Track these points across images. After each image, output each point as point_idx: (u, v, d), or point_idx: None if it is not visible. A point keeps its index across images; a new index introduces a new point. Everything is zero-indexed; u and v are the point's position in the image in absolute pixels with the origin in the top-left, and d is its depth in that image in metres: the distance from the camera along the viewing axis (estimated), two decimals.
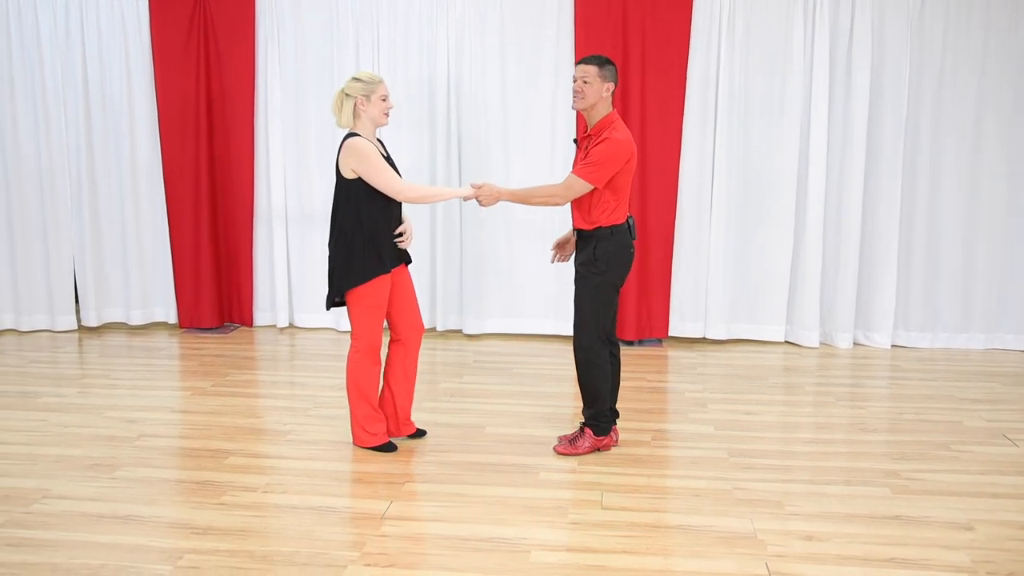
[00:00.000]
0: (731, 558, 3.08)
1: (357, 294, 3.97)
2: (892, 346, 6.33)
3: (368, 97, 3.91)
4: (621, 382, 5.32)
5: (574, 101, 3.96)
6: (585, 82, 3.90)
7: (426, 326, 6.75)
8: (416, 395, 5.07)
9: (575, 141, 4.12)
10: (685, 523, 3.37)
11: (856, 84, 6.04)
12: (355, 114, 3.95)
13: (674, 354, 6.14)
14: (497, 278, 6.55)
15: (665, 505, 3.54)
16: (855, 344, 6.38)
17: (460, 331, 6.70)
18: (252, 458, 4.06)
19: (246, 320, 6.89)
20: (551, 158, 6.35)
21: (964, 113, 6.07)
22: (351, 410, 4.14)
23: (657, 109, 6.12)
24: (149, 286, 6.87)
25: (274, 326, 6.91)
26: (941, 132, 6.11)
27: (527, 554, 3.11)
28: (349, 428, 4.34)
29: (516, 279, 6.53)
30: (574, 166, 3.96)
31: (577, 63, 3.96)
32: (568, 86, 6.25)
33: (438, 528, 3.32)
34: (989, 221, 6.16)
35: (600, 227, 3.94)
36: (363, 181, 3.89)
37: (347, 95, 3.93)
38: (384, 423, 4.19)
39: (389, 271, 3.97)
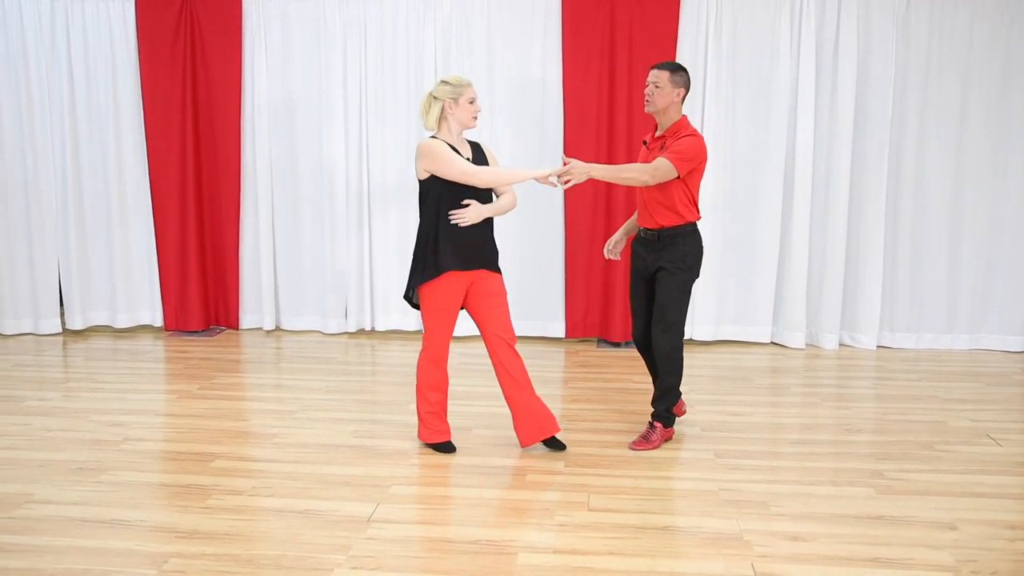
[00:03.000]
0: (717, 559, 3.09)
1: (424, 295, 3.99)
2: (877, 347, 6.37)
3: (456, 100, 3.91)
4: (609, 384, 5.36)
5: (646, 105, 4.08)
6: (657, 87, 4.02)
7: (413, 328, 6.74)
8: (401, 397, 5.06)
9: (645, 143, 4.21)
10: (671, 524, 3.38)
11: (842, 86, 6.07)
12: (442, 117, 3.95)
13: None
14: None
15: (651, 506, 3.54)
16: (841, 345, 6.41)
17: None
18: (238, 461, 4.04)
19: (232, 323, 6.87)
20: (539, 158, 6.35)
21: (949, 115, 6.11)
22: (416, 406, 4.17)
23: (644, 111, 6.12)
24: (135, 289, 6.83)
25: (260, 329, 6.89)
26: (926, 134, 6.15)
27: (514, 556, 3.11)
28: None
29: (504, 280, 6.53)
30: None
31: (651, 68, 4.08)
32: (556, 88, 6.27)
33: (425, 531, 3.32)
34: (973, 223, 6.20)
35: (688, 223, 4.10)
36: (435, 180, 3.90)
37: (435, 98, 3.93)
38: (443, 422, 4.18)
39: (445, 272, 3.92)
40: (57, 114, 6.55)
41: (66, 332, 6.83)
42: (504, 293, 4.08)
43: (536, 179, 3.91)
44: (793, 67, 6.13)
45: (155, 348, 6.33)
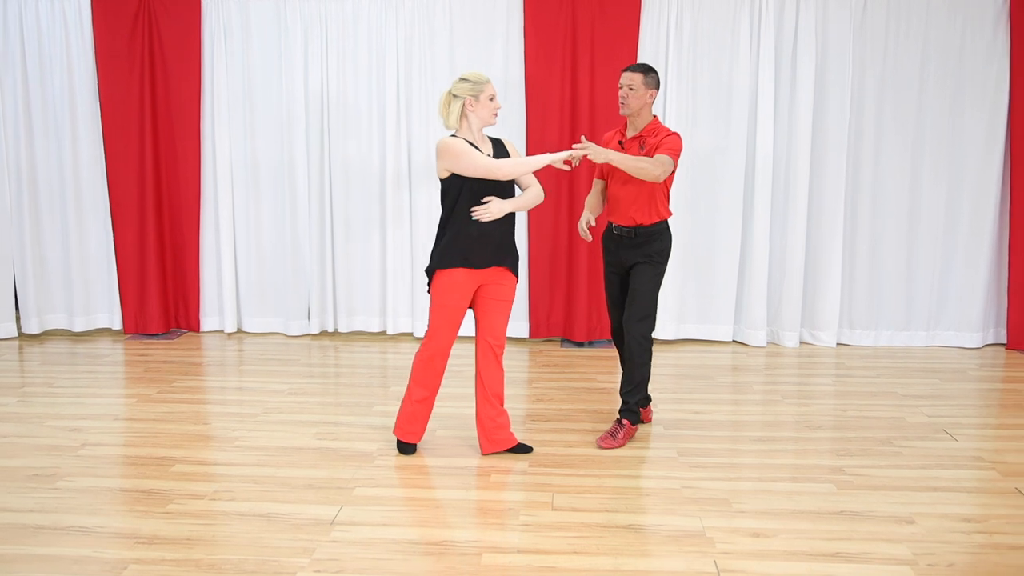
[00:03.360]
0: (680, 556, 3.11)
1: (433, 289, 3.96)
2: (837, 344, 6.45)
3: (476, 97, 3.86)
4: (573, 383, 5.37)
5: (620, 107, 4.15)
6: (631, 89, 4.10)
7: (376, 329, 6.71)
8: (365, 399, 5.04)
9: (621, 143, 4.26)
10: (635, 523, 3.40)
11: (801, 86, 6.15)
12: (463, 115, 3.90)
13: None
14: None
15: (615, 505, 3.56)
16: (801, 343, 6.49)
17: (411, 334, 6.68)
18: (199, 465, 4.00)
19: (193, 325, 6.79)
20: None
21: (905, 114, 6.21)
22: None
23: (606, 108, 6.15)
24: (92, 292, 6.73)
25: (221, 331, 6.82)
26: (883, 133, 6.24)
27: (478, 557, 3.11)
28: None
29: None
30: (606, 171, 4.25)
31: (623, 71, 4.15)
32: (519, 87, 6.27)
33: (388, 532, 3.30)
34: (929, 222, 6.30)
35: (664, 220, 4.23)
36: (456, 178, 3.86)
37: (455, 96, 3.88)
38: (416, 423, 4.13)
39: (452, 267, 3.89)
40: (11, 113, 6.43)
41: (22, 336, 6.71)
42: (511, 299, 4.06)
43: (552, 163, 3.89)
44: (753, 66, 6.19)
45: (114, 351, 6.24)
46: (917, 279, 6.39)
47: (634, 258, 4.23)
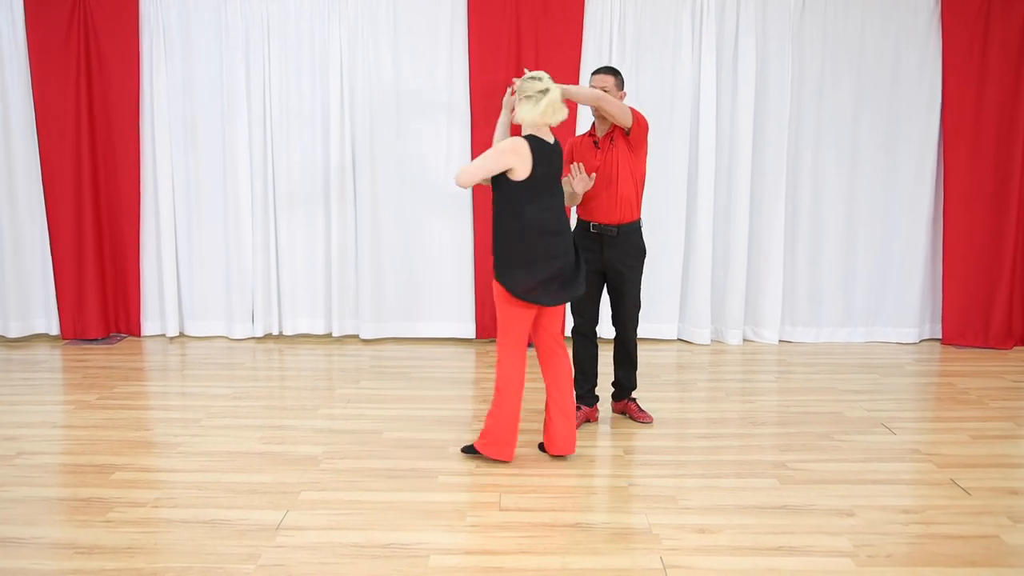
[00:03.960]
0: (626, 554, 3.14)
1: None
2: (779, 341, 6.56)
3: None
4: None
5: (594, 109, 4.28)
6: (604, 90, 4.23)
7: (321, 332, 6.65)
8: (310, 402, 5.00)
9: (596, 143, 4.35)
10: (582, 521, 3.42)
11: (741, 88, 6.24)
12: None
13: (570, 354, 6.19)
14: (394, 280, 6.51)
15: (562, 504, 3.58)
16: (744, 340, 6.58)
17: (356, 336, 6.63)
18: (140, 472, 3.92)
19: (133, 330, 6.66)
20: (446, 156, 6.35)
21: (843, 114, 6.34)
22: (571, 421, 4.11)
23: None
24: (28, 296, 6.55)
25: (163, 335, 6.69)
26: (822, 133, 6.37)
27: (425, 559, 3.10)
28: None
29: (414, 281, 6.50)
30: (585, 169, 4.30)
31: (594, 73, 4.31)
32: (463, 88, 6.26)
33: (335, 536, 3.28)
34: (867, 221, 6.45)
35: (639, 219, 4.42)
36: None
37: (542, 92, 3.83)
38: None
39: None
40: None
41: None
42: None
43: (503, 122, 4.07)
44: (695, 66, 6.26)
45: (51, 358, 6.09)
46: (856, 277, 6.53)
47: (617, 258, 4.38)
